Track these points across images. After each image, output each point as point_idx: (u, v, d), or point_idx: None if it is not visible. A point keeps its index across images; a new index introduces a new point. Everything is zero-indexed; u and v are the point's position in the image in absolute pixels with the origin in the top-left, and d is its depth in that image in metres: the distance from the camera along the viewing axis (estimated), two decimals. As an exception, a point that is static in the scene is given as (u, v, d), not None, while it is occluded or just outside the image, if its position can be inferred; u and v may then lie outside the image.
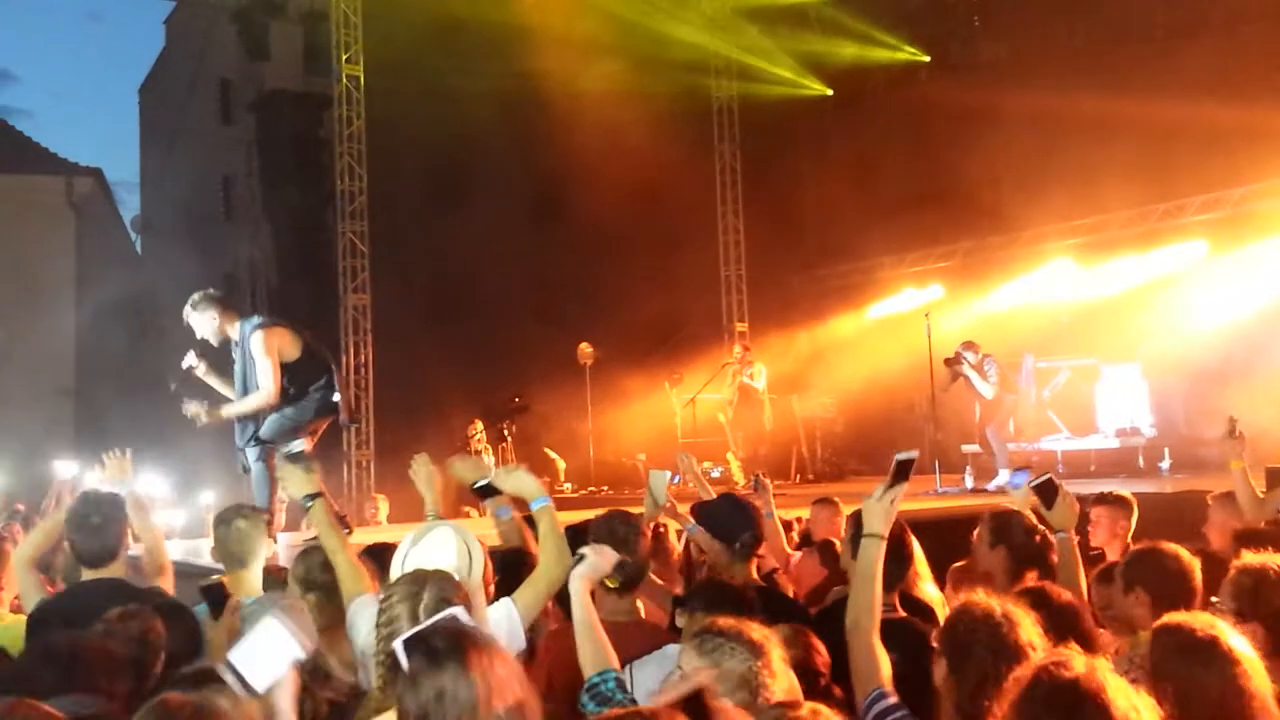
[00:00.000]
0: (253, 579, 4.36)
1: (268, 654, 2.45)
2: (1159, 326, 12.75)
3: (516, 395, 14.69)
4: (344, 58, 14.59)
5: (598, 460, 14.82)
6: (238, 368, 7.24)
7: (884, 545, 3.19)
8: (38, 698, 2.48)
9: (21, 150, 19.99)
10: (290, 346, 7.19)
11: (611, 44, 15.00)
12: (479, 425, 13.89)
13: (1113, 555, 5.29)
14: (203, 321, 7.15)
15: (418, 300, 16.06)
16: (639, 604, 3.85)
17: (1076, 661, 2.16)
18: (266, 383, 7.02)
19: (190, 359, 7.19)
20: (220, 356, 7.40)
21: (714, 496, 5.34)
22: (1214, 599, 3.27)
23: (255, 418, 7.26)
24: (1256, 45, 12.30)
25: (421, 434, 14.02)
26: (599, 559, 3.34)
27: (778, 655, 2.63)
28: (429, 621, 2.61)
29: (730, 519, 4.26)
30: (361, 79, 14.63)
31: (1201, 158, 12.26)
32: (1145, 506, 5.63)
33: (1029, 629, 2.68)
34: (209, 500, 8.52)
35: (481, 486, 4.14)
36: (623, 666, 3.17)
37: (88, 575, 4.07)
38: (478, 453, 13.45)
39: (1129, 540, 5.38)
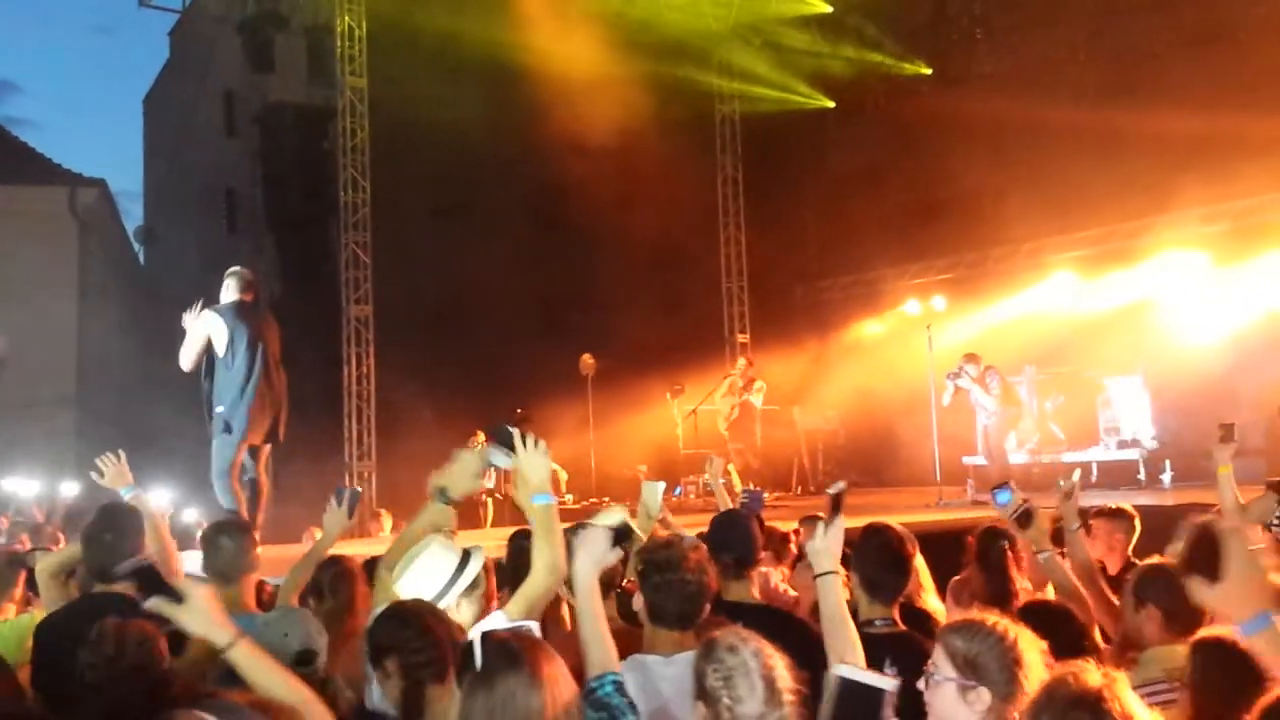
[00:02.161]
0: (239, 594, 4.35)
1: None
2: (1161, 338, 12.76)
3: (518, 407, 14.68)
4: (348, 70, 14.64)
5: (600, 471, 14.81)
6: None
7: (840, 580, 3.21)
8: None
9: (25, 161, 20.02)
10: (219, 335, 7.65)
11: (615, 56, 15.04)
12: (480, 436, 13.87)
13: (1113, 568, 5.29)
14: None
15: (420, 312, 16.05)
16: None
17: (1091, 674, 2.19)
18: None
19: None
20: None
21: (728, 506, 5.33)
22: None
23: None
24: (1260, 58, 12.33)
25: (423, 446, 14.01)
26: (595, 544, 3.06)
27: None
28: (508, 626, 2.67)
29: (717, 536, 4.11)
30: (365, 91, 14.68)
31: (1204, 170, 12.28)
32: (1146, 519, 5.62)
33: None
34: (194, 517, 8.57)
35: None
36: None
37: (99, 588, 4.09)
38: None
39: (1129, 553, 5.38)
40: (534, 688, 2.37)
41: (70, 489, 9.96)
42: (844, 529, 3.30)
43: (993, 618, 2.64)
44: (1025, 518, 4.25)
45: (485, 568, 3.88)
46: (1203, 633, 2.78)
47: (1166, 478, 11.88)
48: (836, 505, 3.35)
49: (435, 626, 2.99)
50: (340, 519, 4.59)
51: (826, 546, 3.25)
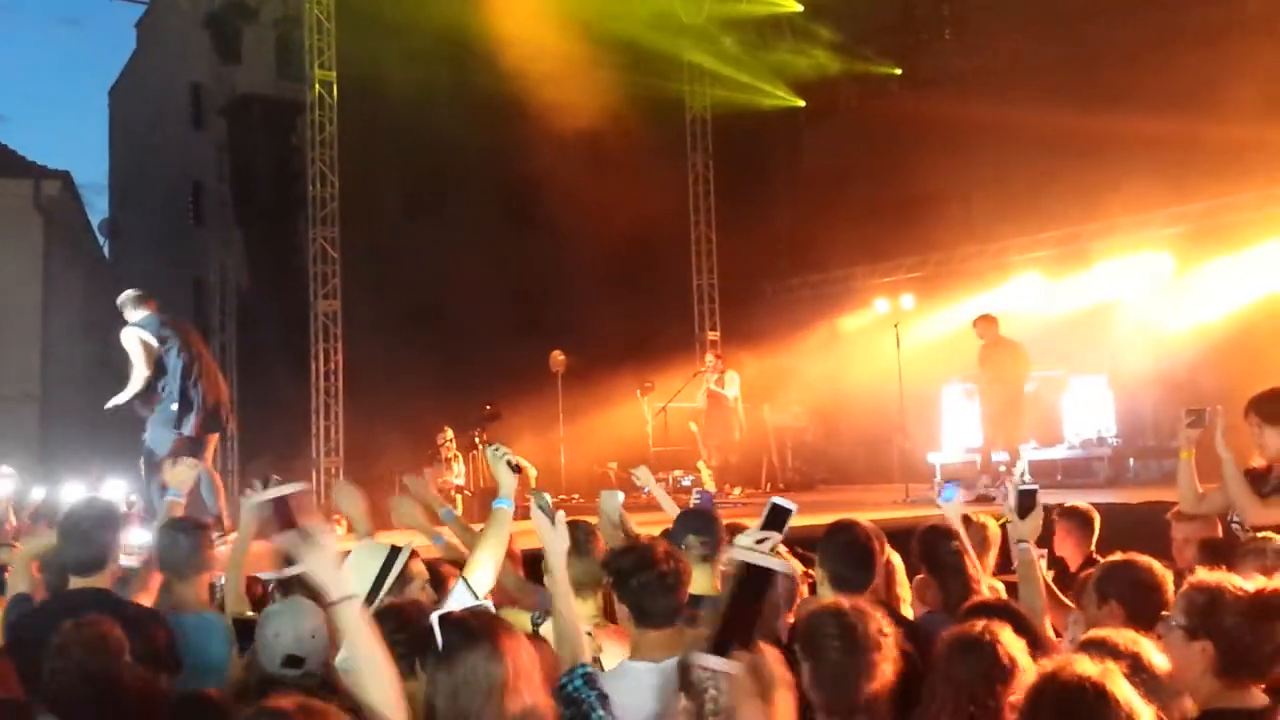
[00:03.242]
0: (194, 591, 4.35)
1: None
2: (1125, 338, 12.90)
3: (488, 403, 14.66)
4: (317, 63, 14.54)
5: (569, 468, 14.81)
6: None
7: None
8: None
9: (-12, 152, 19.78)
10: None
11: (586, 53, 15.03)
12: (448, 433, 13.85)
13: (1073, 565, 5.36)
14: None
15: (389, 307, 16.00)
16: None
17: (1085, 663, 2.23)
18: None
19: None
20: None
21: (674, 510, 5.37)
22: (1164, 613, 3.30)
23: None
24: (1225, 61, 12.48)
25: (391, 441, 13.97)
26: (557, 536, 3.20)
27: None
28: (462, 606, 2.68)
29: (685, 526, 4.22)
30: (334, 84, 14.58)
31: (1168, 172, 12.44)
32: (1109, 517, 5.69)
33: (879, 619, 2.76)
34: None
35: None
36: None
37: (76, 583, 4.01)
38: (448, 460, 13.41)
39: (1091, 550, 5.44)
40: (495, 660, 2.39)
41: (21, 487, 9.93)
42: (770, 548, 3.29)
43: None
44: (1029, 503, 4.03)
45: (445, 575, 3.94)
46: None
47: (1130, 476, 12.02)
48: (776, 520, 3.26)
49: (416, 620, 3.01)
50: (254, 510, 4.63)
51: (751, 552, 3.22)
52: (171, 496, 4.91)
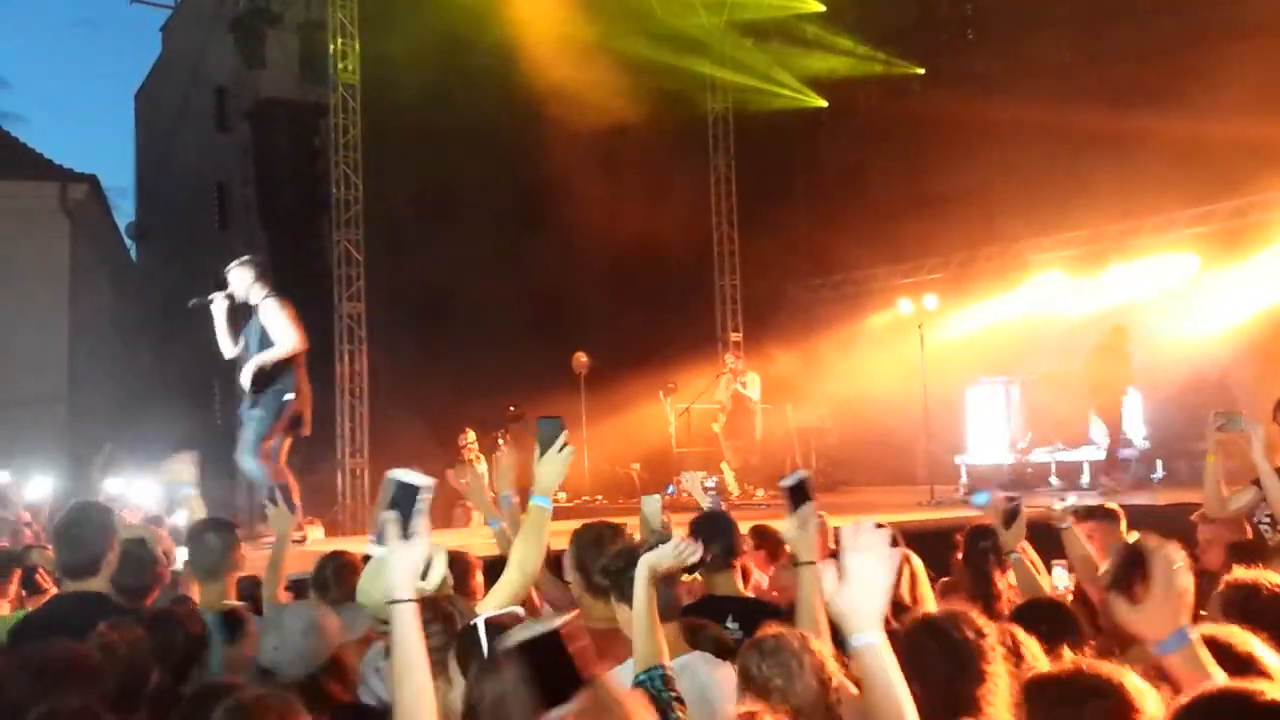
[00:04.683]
0: (221, 591, 4.35)
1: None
2: (1152, 339, 12.80)
3: (511, 404, 14.70)
4: (340, 67, 14.63)
5: (592, 470, 14.83)
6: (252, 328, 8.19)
7: (816, 571, 3.18)
8: (13, 707, 2.51)
9: (15, 156, 19.95)
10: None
11: (607, 56, 15.05)
12: (470, 434, 13.89)
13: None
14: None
15: (412, 308, 16.04)
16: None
17: (1093, 663, 2.25)
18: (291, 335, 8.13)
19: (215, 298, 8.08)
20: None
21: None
22: (1203, 612, 3.27)
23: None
24: (1250, 60, 12.37)
25: (415, 442, 14.01)
26: (676, 550, 3.04)
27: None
28: (500, 612, 2.68)
29: (700, 532, 4.25)
30: (358, 88, 14.67)
31: (1194, 171, 12.34)
32: (1135, 518, 5.66)
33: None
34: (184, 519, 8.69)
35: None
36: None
37: (70, 587, 4.01)
38: (470, 462, 13.44)
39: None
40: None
41: (42, 486, 10.14)
42: (815, 514, 3.33)
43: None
44: (1012, 516, 4.29)
45: (469, 564, 3.95)
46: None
47: (1157, 477, 11.94)
48: (798, 495, 3.33)
49: (448, 613, 3.00)
50: (286, 517, 4.68)
51: (802, 535, 3.29)
52: (188, 491, 4.87)
